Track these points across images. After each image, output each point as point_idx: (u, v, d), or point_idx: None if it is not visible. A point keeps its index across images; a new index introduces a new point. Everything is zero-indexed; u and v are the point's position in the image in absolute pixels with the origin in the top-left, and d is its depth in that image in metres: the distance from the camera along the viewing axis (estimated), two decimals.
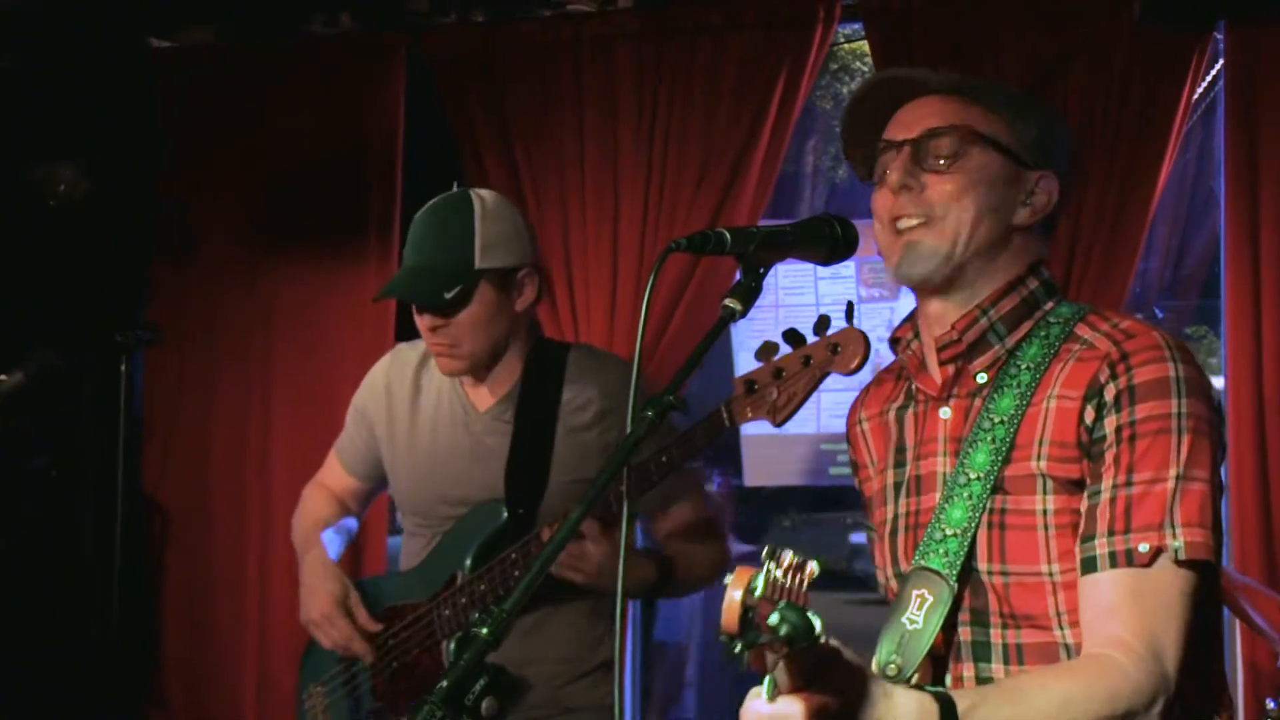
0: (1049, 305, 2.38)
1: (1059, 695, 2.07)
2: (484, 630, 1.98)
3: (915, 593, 2.27)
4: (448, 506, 3.44)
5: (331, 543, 3.61)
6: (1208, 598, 2.22)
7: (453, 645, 3.32)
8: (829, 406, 7.75)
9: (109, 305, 5.58)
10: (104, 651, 5.11)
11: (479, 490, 3.37)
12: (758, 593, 1.69)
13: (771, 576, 1.71)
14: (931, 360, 2.41)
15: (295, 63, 5.65)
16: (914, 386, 2.45)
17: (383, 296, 3.52)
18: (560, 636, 3.37)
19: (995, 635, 2.26)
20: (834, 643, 1.81)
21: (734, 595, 1.70)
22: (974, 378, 2.35)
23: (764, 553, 1.73)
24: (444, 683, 1.97)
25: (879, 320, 8.16)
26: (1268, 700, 4.13)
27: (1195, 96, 4.78)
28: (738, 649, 1.68)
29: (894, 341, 2.49)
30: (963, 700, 1.98)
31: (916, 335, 2.45)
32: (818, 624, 1.69)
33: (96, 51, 5.53)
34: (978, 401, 2.33)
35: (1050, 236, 2.45)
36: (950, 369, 2.36)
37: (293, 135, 5.61)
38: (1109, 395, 2.21)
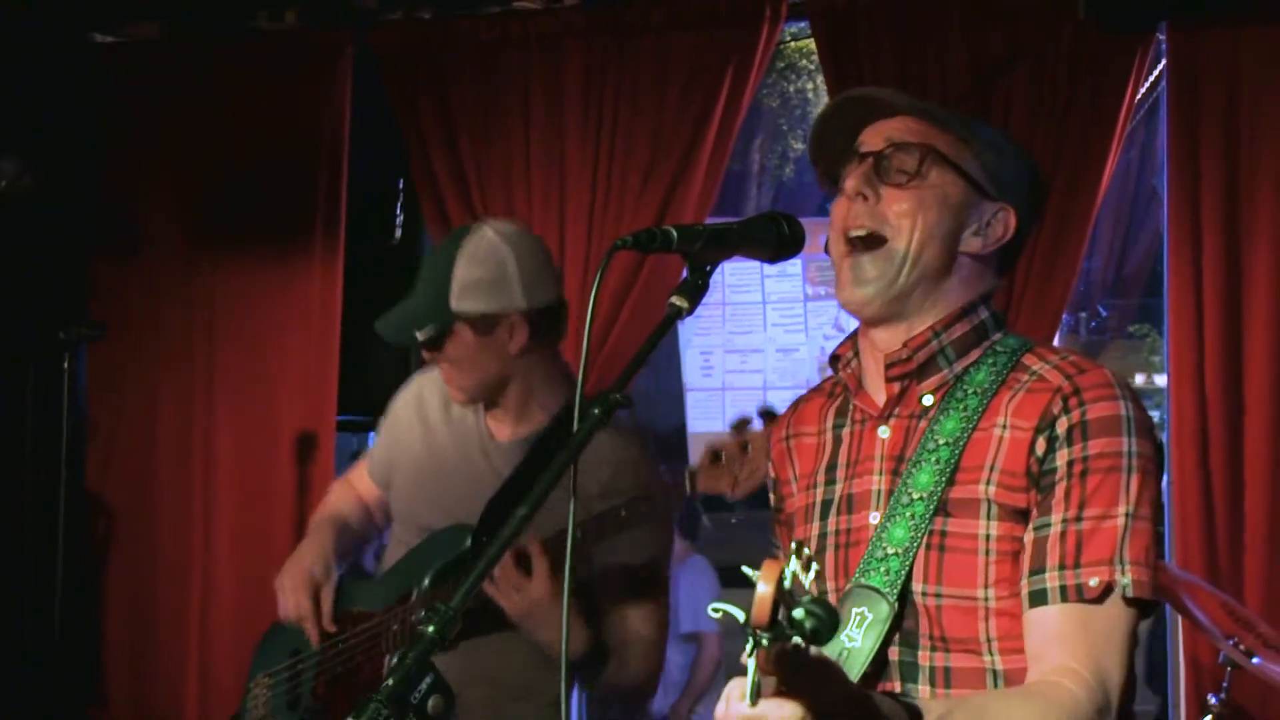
0: (997, 335, 2.38)
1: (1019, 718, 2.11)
2: (430, 628, 1.97)
3: (855, 610, 2.26)
4: (436, 519, 3.42)
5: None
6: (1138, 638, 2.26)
7: (395, 661, 3.30)
8: (779, 406, 7.78)
9: (51, 301, 5.54)
10: (45, 650, 5.08)
11: (467, 513, 3.33)
12: (787, 585, 1.69)
13: (794, 570, 1.71)
14: (873, 380, 2.40)
15: (240, 59, 5.62)
16: (851, 405, 2.44)
17: (380, 330, 3.43)
18: (508, 660, 3.34)
19: (923, 657, 2.26)
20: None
21: (765, 588, 1.68)
22: (919, 399, 2.34)
23: (793, 546, 1.73)
24: (390, 680, 1.96)
25: (825, 318, 8.20)
26: (1209, 695, 4.17)
27: (1138, 97, 4.81)
28: (764, 641, 1.67)
29: (834, 359, 2.48)
30: (930, 713, 2.01)
31: (856, 355, 2.44)
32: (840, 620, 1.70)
33: (40, 46, 5.49)
34: (922, 423, 2.33)
35: (1004, 271, 2.45)
36: (896, 387, 2.36)
37: (237, 132, 5.59)
38: (1061, 428, 2.22)
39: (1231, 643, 3.95)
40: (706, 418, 7.97)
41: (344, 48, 5.48)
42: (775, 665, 1.72)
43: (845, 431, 2.45)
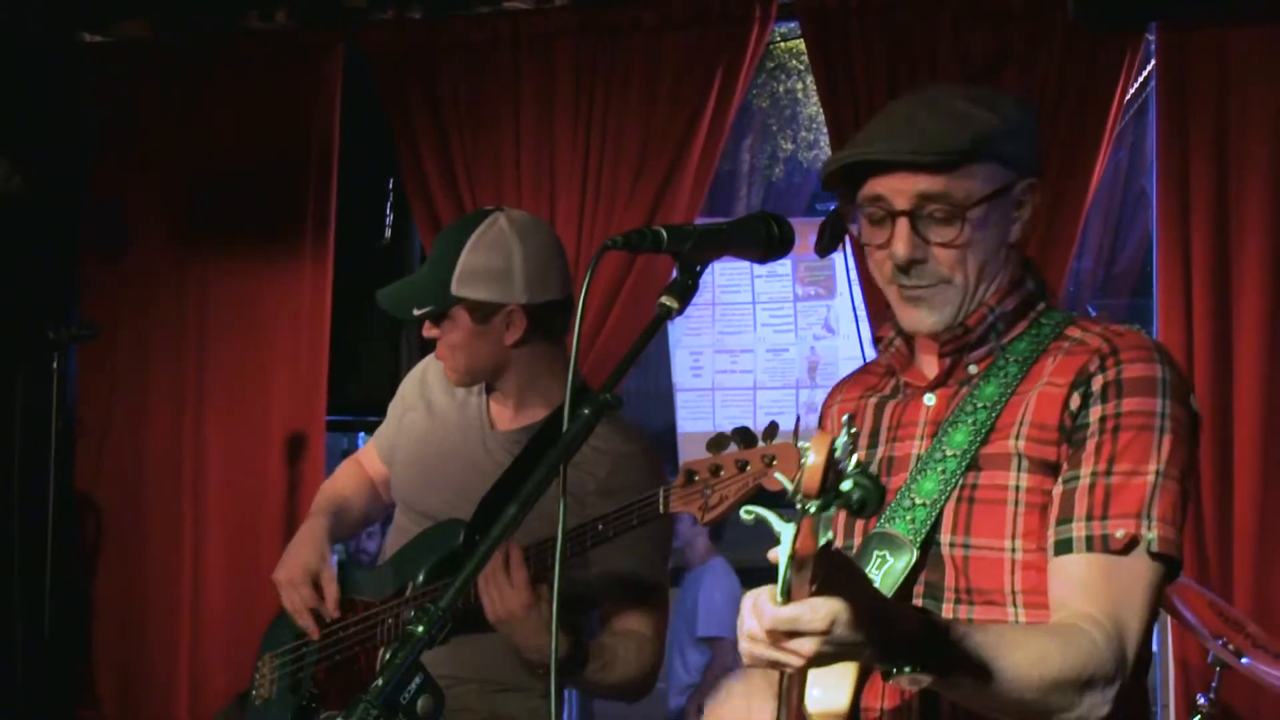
0: (1041, 306, 2.43)
1: (1036, 651, 2.11)
2: (419, 629, 1.97)
3: (876, 554, 2.29)
4: (433, 503, 3.43)
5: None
6: (1161, 597, 2.28)
7: (387, 655, 3.31)
8: (765, 405, 7.79)
9: (41, 301, 5.53)
10: (35, 651, 5.07)
11: (464, 499, 3.34)
12: (838, 455, 1.69)
13: (844, 442, 1.71)
14: (925, 356, 2.45)
15: (230, 59, 5.62)
16: (901, 381, 2.48)
17: (379, 300, 3.47)
18: (500, 656, 3.34)
19: (947, 609, 2.28)
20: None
21: (816, 458, 1.69)
22: (966, 368, 2.40)
23: (843, 420, 1.74)
24: (379, 681, 1.96)
25: (815, 318, 8.20)
26: (1198, 696, 4.17)
27: (1127, 97, 4.82)
28: (813, 509, 1.68)
29: (877, 341, 2.53)
30: (954, 629, 2.02)
31: (898, 333, 2.47)
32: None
33: (28, 46, 5.48)
34: (964, 389, 2.37)
35: None
36: (948, 361, 2.40)
37: (227, 131, 5.58)
38: (1096, 385, 2.26)
39: (1220, 643, 3.96)
40: (696, 418, 7.97)
41: (334, 47, 5.48)
42: (816, 557, 1.73)
43: (892, 402, 2.49)
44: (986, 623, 2.23)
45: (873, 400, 2.53)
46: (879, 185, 2.34)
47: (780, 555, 1.74)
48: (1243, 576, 4.58)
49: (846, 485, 1.68)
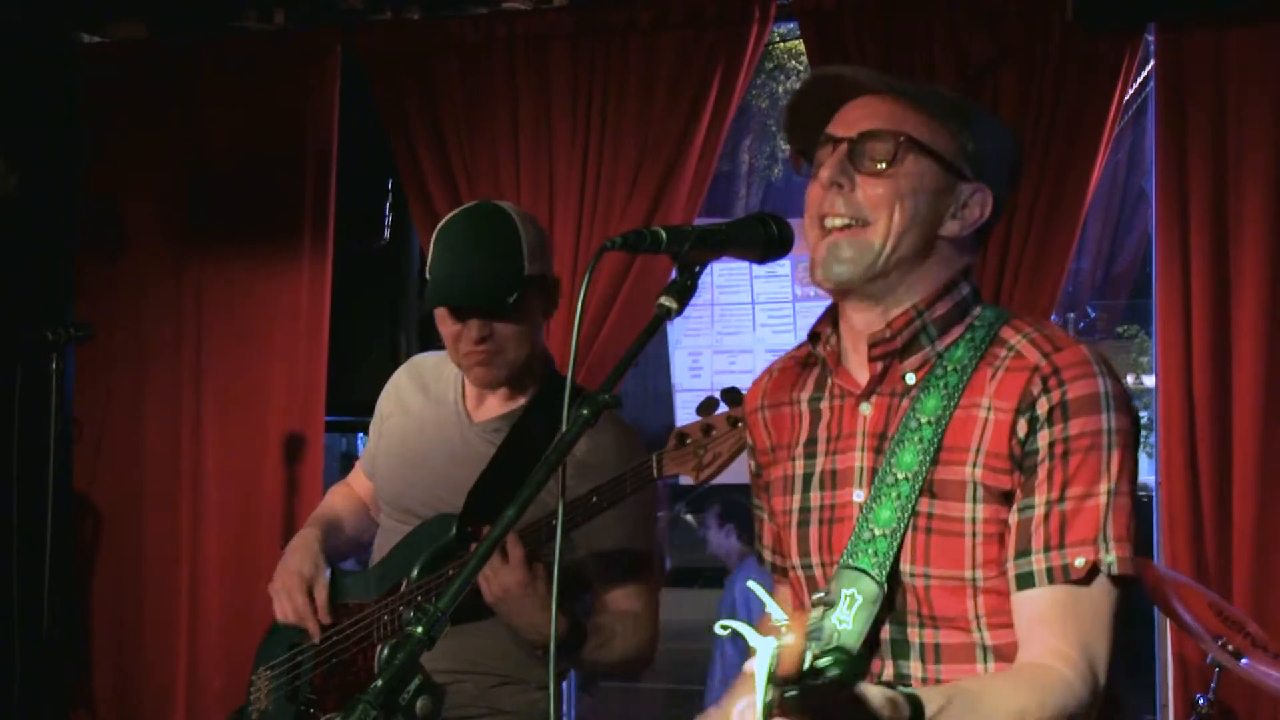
0: (977, 310, 2.40)
1: (1016, 707, 2.12)
2: (418, 629, 1.97)
3: (845, 592, 2.28)
4: (417, 501, 3.43)
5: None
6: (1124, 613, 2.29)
7: (385, 651, 3.30)
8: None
9: (38, 302, 5.52)
10: (32, 653, 5.06)
11: (450, 494, 3.35)
12: (811, 638, 1.73)
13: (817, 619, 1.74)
14: (853, 358, 2.42)
15: (228, 59, 5.61)
16: (830, 381, 2.45)
17: (441, 303, 3.31)
18: (497, 648, 3.35)
19: (913, 634, 2.29)
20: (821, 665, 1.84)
21: (792, 642, 1.72)
22: (902, 378, 2.36)
23: (814, 599, 1.77)
24: (378, 682, 1.96)
25: (814, 319, 8.21)
26: (1197, 696, 4.17)
27: (1126, 98, 4.81)
28: (793, 693, 1.71)
29: (814, 336, 2.49)
30: (930, 702, 2.01)
31: (835, 330, 2.45)
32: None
33: (25, 46, 5.47)
34: (905, 401, 2.35)
35: (979, 247, 2.47)
36: (879, 366, 2.37)
37: (225, 132, 5.58)
38: (1041, 409, 2.24)
39: (1219, 643, 3.95)
40: (695, 419, 7.97)
41: (332, 47, 5.47)
42: (801, 709, 1.75)
43: (824, 406, 2.46)
44: (962, 681, 2.23)
45: (804, 405, 2.50)
46: (834, 124, 2.37)
47: (758, 674, 1.74)
48: (1242, 576, 4.58)
49: (825, 662, 1.73)
